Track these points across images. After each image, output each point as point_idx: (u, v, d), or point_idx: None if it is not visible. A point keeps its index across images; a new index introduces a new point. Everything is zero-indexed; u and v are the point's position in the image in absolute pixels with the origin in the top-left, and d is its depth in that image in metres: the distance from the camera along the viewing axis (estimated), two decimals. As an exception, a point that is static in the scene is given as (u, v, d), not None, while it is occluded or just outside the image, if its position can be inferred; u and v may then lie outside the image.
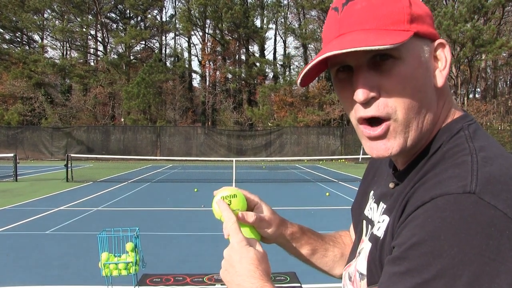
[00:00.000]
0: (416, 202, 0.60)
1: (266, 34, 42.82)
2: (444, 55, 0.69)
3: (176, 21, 43.42)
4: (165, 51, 45.98)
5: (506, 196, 0.55)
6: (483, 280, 0.51)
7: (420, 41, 0.66)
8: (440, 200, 0.56)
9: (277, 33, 44.31)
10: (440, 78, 0.68)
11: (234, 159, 18.31)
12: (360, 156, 24.14)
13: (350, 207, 0.97)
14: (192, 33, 43.29)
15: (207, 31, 43.16)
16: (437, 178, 0.60)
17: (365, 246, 0.78)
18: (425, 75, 0.66)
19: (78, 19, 39.87)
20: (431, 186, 0.60)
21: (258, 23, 42.26)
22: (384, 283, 0.59)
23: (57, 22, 39.95)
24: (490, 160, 0.60)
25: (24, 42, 41.89)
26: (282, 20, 43.36)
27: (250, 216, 0.88)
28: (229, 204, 0.87)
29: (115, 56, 40.59)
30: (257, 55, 42.89)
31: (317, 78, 41.85)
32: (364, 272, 0.74)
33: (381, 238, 0.70)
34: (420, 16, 0.66)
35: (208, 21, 42.34)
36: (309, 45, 43.35)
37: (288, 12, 44.02)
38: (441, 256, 0.53)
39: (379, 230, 0.72)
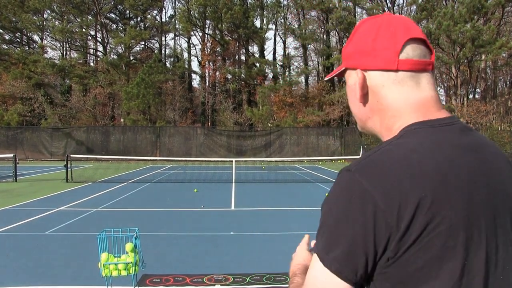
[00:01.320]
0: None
1: (266, 35, 42.87)
2: (354, 81, 0.92)
3: (176, 21, 43.45)
4: (165, 52, 46.03)
5: (372, 173, 0.75)
6: (341, 224, 0.76)
7: (351, 71, 0.92)
8: (338, 174, 0.81)
9: (277, 33, 44.39)
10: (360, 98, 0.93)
11: (233, 159, 18.32)
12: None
13: None
14: (192, 33, 43.33)
15: (206, 32, 43.20)
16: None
17: None
18: (351, 94, 0.93)
19: (78, 20, 39.88)
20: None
21: (257, 23, 42.31)
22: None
23: (56, 22, 39.97)
24: (389, 151, 0.79)
25: (23, 43, 41.90)
26: (282, 20, 43.41)
27: None
28: None
29: (115, 57, 40.63)
30: (256, 55, 42.91)
31: (317, 79, 41.80)
32: None
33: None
34: (349, 54, 0.92)
35: (207, 21, 42.37)
36: (309, 46, 43.37)
37: (288, 13, 44.05)
38: (326, 212, 0.80)
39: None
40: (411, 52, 0.84)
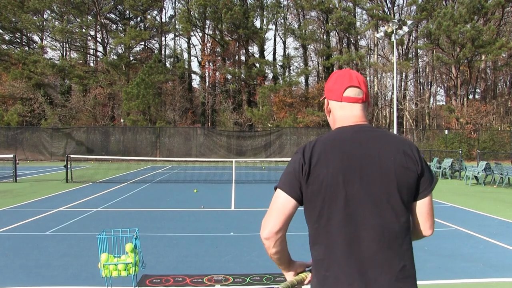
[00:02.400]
0: None
1: (266, 35, 42.85)
2: (325, 105, 1.75)
3: (176, 21, 43.45)
4: (165, 52, 46.01)
5: (304, 146, 1.58)
6: (288, 170, 1.57)
7: (325, 99, 1.73)
8: None
9: (277, 33, 44.37)
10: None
11: (233, 159, 18.32)
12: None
13: None
14: (192, 33, 43.32)
15: (206, 32, 43.19)
16: None
17: None
18: (325, 111, 1.74)
19: (78, 20, 39.87)
20: None
21: (257, 23, 42.31)
22: None
23: (56, 22, 39.95)
24: (318, 138, 1.59)
25: (23, 43, 41.88)
26: (282, 20, 43.39)
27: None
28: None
29: (115, 57, 40.60)
30: (256, 55, 42.90)
31: (317, 79, 41.90)
32: None
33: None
34: (325, 89, 1.73)
35: (207, 21, 42.36)
36: (309, 46, 43.36)
37: (288, 13, 44.04)
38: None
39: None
40: (349, 92, 1.66)
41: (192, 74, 45.54)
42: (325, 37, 42.15)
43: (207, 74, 44.29)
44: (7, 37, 40.24)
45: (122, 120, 36.10)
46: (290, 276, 1.70)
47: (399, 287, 1.47)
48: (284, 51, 44.12)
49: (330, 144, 1.55)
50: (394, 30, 22.03)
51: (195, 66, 49.22)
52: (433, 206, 1.62)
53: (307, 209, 1.57)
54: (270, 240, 1.57)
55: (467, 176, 15.43)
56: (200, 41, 44.23)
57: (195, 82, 48.38)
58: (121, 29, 43.04)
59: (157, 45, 45.91)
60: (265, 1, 41.92)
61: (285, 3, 42.83)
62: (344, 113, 1.66)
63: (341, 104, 1.66)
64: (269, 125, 34.35)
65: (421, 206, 1.58)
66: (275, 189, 1.60)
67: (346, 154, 1.52)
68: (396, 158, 1.52)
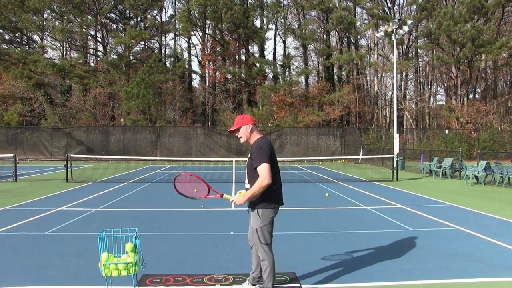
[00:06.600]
0: (253, 146, 3.99)
1: (266, 35, 42.85)
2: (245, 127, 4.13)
3: (176, 21, 43.44)
4: (165, 52, 46.02)
5: (266, 141, 4.04)
6: (266, 153, 3.87)
7: (244, 126, 4.11)
8: (255, 143, 4.02)
9: (277, 33, 44.38)
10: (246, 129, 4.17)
11: (233, 159, 18.35)
12: (360, 157, 24.10)
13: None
14: (192, 33, 43.31)
15: (207, 32, 43.19)
16: (254, 144, 4.02)
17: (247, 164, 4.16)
18: (244, 131, 4.10)
19: (78, 20, 39.88)
20: (254, 144, 4.02)
21: (258, 23, 42.30)
22: (259, 168, 3.80)
23: (56, 22, 39.97)
24: (266, 140, 4.05)
25: (23, 43, 41.89)
26: (282, 20, 43.38)
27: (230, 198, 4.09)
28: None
29: (115, 57, 40.61)
30: (257, 55, 42.90)
31: (317, 79, 42.20)
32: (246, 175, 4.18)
33: (248, 159, 4.02)
34: (243, 122, 4.11)
35: (208, 21, 42.36)
36: (309, 45, 43.35)
37: (288, 13, 44.03)
38: (261, 153, 3.86)
39: (249, 157, 4.02)
40: (254, 121, 4.16)
41: (192, 74, 45.59)
42: (325, 36, 42.15)
43: (207, 74, 44.32)
44: (7, 37, 40.26)
45: (122, 120, 36.10)
46: (241, 198, 3.86)
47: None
48: (284, 50, 44.16)
49: (270, 143, 3.97)
50: (394, 29, 22.02)
51: (195, 65, 49.24)
52: None
53: (272, 167, 3.78)
54: (268, 185, 3.70)
55: (467, 175, 15.43)
56: (200, 40, 44.26)
57: (195, 81, 48.42)
58: (121, 28, 43.04)
59: (157, 45, 45.96)
60: (265, 0, 41.92)
61: (285, 2, 42.88)
62: (256, 129, 4.06)
63: (253, 125, 4.05)
64: (269, 124, 34.34)
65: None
66: (261, 163, 3.73)
67: (272, 149, 3.96)
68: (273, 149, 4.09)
